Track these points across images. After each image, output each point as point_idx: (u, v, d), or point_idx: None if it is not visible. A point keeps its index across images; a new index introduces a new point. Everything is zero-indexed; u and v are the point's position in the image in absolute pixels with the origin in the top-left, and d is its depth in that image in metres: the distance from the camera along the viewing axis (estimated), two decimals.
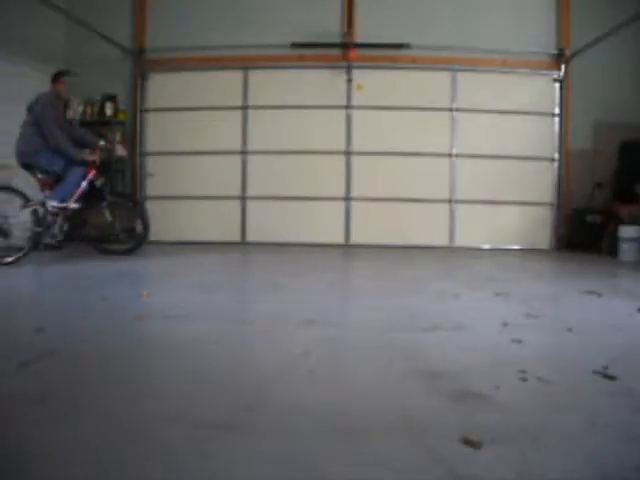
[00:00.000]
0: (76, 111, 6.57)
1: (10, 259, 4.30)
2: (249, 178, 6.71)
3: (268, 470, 1.13)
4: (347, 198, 6.64)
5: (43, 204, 4.53)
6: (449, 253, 5.96)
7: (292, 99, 6.57)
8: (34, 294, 3.23)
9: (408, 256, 4.96)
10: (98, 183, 4.80)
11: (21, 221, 4.45)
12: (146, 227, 4.94)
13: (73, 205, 4.68)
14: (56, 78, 4.64)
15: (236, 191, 6.71)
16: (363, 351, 2.07)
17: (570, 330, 2.37)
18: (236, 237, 6.70)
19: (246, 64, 6.63)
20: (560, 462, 1.17)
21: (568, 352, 2.11)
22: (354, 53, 6.52)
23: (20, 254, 4.36)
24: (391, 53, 6.52)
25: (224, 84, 6.67)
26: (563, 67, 6.55)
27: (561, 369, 1.84)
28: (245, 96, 6.68)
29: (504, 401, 1.51)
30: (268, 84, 6.64)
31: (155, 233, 6.75)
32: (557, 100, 6.61)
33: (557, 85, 6.61)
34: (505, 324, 2.45)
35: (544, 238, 6.66)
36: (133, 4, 6.78)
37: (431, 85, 6.60)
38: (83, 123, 6.62)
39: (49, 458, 1.16)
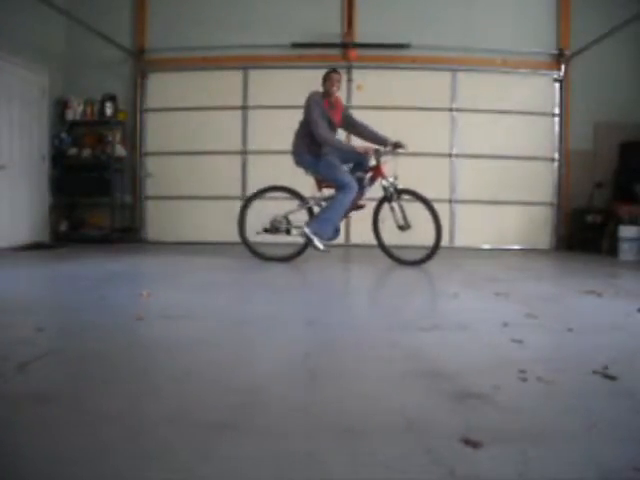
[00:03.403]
0: (76, 111, 6.58)
1: (287, 255, 4.70)
2: (249, 178, 6.71)
3: (268, 470, 1.13)
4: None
5: (311, 207, 4.58)
6: (449, 253, 5.95)
7: (292, 99, 6.56)
8: (34, 293, 3.22)
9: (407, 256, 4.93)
10: (386, 182, 4.50)
11: (299, 220, 4.63)
12: (438, 227, 4.42)
13: (318, 245, 4.42)
14: (324, 76, 4.56)
15: (236, 191, 6.71)
16: (363, 351, 2.07)
17: (570, 330, 2.37)
18: (236, 237, 6.68)
19: (246, 64, 6.64)
20: (560, 462, 1.17)
21: (568, 352, 2.11)
22: (354, 53, 6.52)
23: (296, 251, 4.69)
24: (391, 53, 6.52)
25: (224, 84, 6.68)
26: (563, 67, 6.56)
27: (561, 369, 1.84)
28: (245, 96, 6.69)
29: (504, 401, 1.51)
30: (268, 84, 6.64)
31: (155, 233, 6.79)
32: (557, 100, 6.62)
33: (557, 85, 6.62)
34: (505, 324, 2.45)
35: (544, 238, 6.66)
36: (133, 4, 6.78)
37: (431, 85, 6.60)
38: (83, 123, 6.65)
39: (49, 458, 1.16)
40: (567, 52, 6.49)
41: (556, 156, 6.65)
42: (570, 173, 6.61)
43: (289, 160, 6.71)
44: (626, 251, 5.43)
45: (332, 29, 6.59)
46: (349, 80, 6.58)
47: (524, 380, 1.69)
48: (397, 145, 4.53)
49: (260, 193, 4.83)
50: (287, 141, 6.62)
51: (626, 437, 1.30)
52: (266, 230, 4.72)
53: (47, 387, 1.60)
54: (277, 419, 1.39)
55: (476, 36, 6.50)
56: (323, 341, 2.22)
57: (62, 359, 1.90)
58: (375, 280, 4.15)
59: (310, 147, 4.48)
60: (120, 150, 6.57)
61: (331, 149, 4.48)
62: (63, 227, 6.60)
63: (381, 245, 4.72)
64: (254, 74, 6.67)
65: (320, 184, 4.66)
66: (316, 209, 4.67)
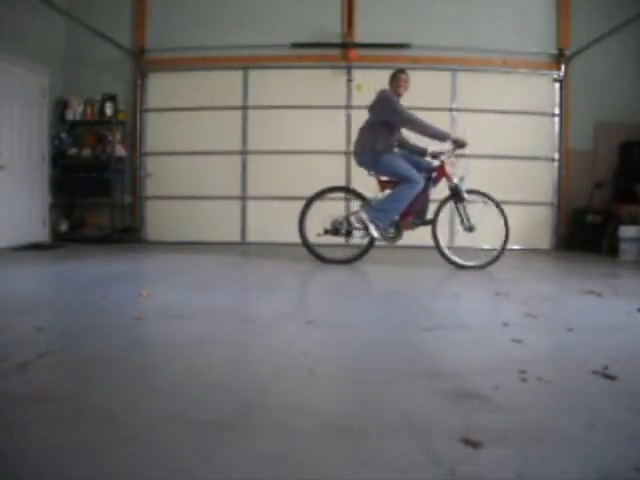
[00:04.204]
0: (76, 111, 6.57)
1: (350, 257, 4.62)
2: (249, 178, 6.70)
3: (268, 470, 1.13)
4: (348, 198, 6.63)
5: (368, 207, 4.49)
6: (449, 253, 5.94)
7: (292, 99, 6.57)
8: (34, 293, 3.22)
9: (408, 256, 4.96)
10: (454, 182, 4.48)
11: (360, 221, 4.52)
12: (506, 228, 4.46)
13: (373, 233, 4.37)
14: (393, 76, 4.54)
15: (236, 191, 6.70)
16: (363, 351, 2.07)
17: (570, 330, 2.37)
18: (236, 237, 6.70)
19: (246, 64, 6.63)
20: (560, 462, 1.17)
21: (568, 352, 2.11)
22: (354, 53, 6.51)
23: (359, 252, 4.60)
24: (391, 53, 6.51)
25: (224, 84, 6.67)
26: (563, 67, 6.55)
27: (561, 369, 1.84)
28: (245, 96, 6.68)
29: (504, 401, 1.51)
30: (268, 84, 6.63)
31: (155, 233, 6.79)
32: (557, 100, 6.60)
33: (557, 85, 6.61)
34: (505, 324, 2.45)
35: (544, 238, 6.65)
36: (133, 4, 6.77)
37: (431, 85, 6.59)
38: (83, 123, 6.64)
39: (49, 458, 1.16)
40: (567, 52, 6.48)
41: (556, 156, 6.64)
42: (570, 173, 6.60)
43: (290, 160, 6.76)
44: (626, 251, 5.43)
45: (332, 29, 6.58)
46: (349, 80, 6.58)
47: (524, 380, 1.69)
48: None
49: (321, 194, 4.77)
50: (287, 141, 6.69)
51: (626, 437, 1.30)
52: (327, 231, 4.62)
53: (47, 387, 1.60)
54: (277, 419, 1.39)
55: (476, 36, 6.49)
56: (323, 341, 2.22)
57: (62, 359, 1.90)
58: (375, 281, 4.15)
59: (375, 145, 4.41)
60: (120, 150, 6.56)
61: (390, 150, 4.46)
62: (63, 227, 6.60)
63: (438, 248, 4.63)
64: (254, 74, 6.66)
65: (382, 185, 4.60)
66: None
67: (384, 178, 4.57)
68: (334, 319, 2.63)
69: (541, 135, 6.61)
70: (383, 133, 4.42)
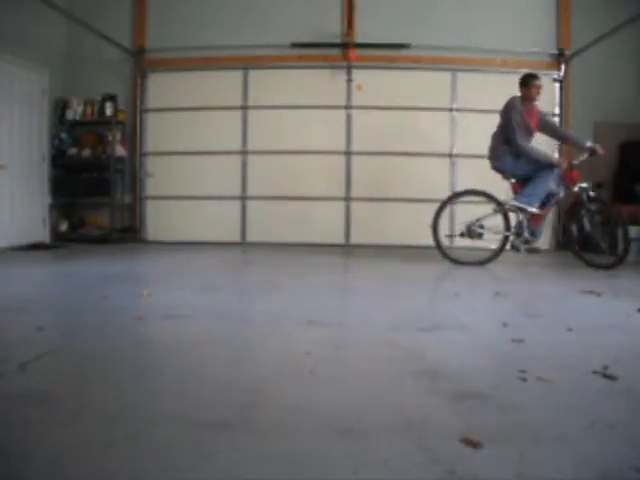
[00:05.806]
0: (76, 111, 6.57)
1: (483, 259, 4.67)
2: (249, 178, 6.71)
3: (268, 470, 1.13)
4: (347, 198, 6.64)
5: (507, 206, 4.57)
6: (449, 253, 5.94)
7: (292, 99, 6.57)
8: (34, 293, 3.22)
9: (408, 256, 4.96)
10: (578, 188, 4.54)
11: (494, 224, 4.66)
12: (626, 236, 4.51)
13: (532, 209, 4.50)
14: (525, 81, 4.60)
15: (236, 191, 6.71)
16: (363, 351, 2.07)
17: (570, 330, 2.37)
18: (236, 237, 6.71)
19: (246, 64, 6.63)
20: (559, 462, 1.17)
21: (568, 352, 2.11)
22: (354, 53, 6.52)
23: (491, 255, 4.66)
24: (391, 53, 6.52)
25: (224, 84, 6.68)
26: (563, 67, 6.55)
27: (561, 369, 1.84)
28: (245, 96, 6.68)
29: (504, 401, 1.52)
30: (268, 84, 6.64)
31: (155, 233, 6.79)
32: (557, 100, 6.61)
33: (557, 85, 6.61)
34: (505, 324, 2.45)
35: (544, 238, 6.65)
36: (133, 4, 6.78)
37: (431, 85, 6.60)
38: (83, 123, 6.65)
39: (49, 458, 1.16)
40: (567, 52, 6.48)
41: (556, 156, 6.64)
42: None
43: (290, 160, 6.76)
44: None
45: (332, 29, 6.59)
46: (349, 80, 6.58)
47: (524, 380, 1.69)
48: (593, 151, 4.52)
49: (455, 197, 4.84)
50: (287, 141, 6.69)
51: (625, 437, 1.30)
52: (462, 235, 4.72)
53: (47, 387, 1.60)
54: (277, 419, 1.39)
55: (476, 36, 6.49)
56: (322, 341, 2.22)
57: (62, 359, 1.90)
58: (372, 280, 4.14)
59: (511, 149, 4.50)
60: (120, 150, 6.56)
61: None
62: (63, 227, 6.60)
63: (574, 250, 4.77)
64: (254, 74, 6.66)
65: (517, 188, 4.64)
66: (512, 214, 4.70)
67: (512, 181, 4.66)
68: (331, 319, 2.63)
69: (541, 135, 6.60)
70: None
